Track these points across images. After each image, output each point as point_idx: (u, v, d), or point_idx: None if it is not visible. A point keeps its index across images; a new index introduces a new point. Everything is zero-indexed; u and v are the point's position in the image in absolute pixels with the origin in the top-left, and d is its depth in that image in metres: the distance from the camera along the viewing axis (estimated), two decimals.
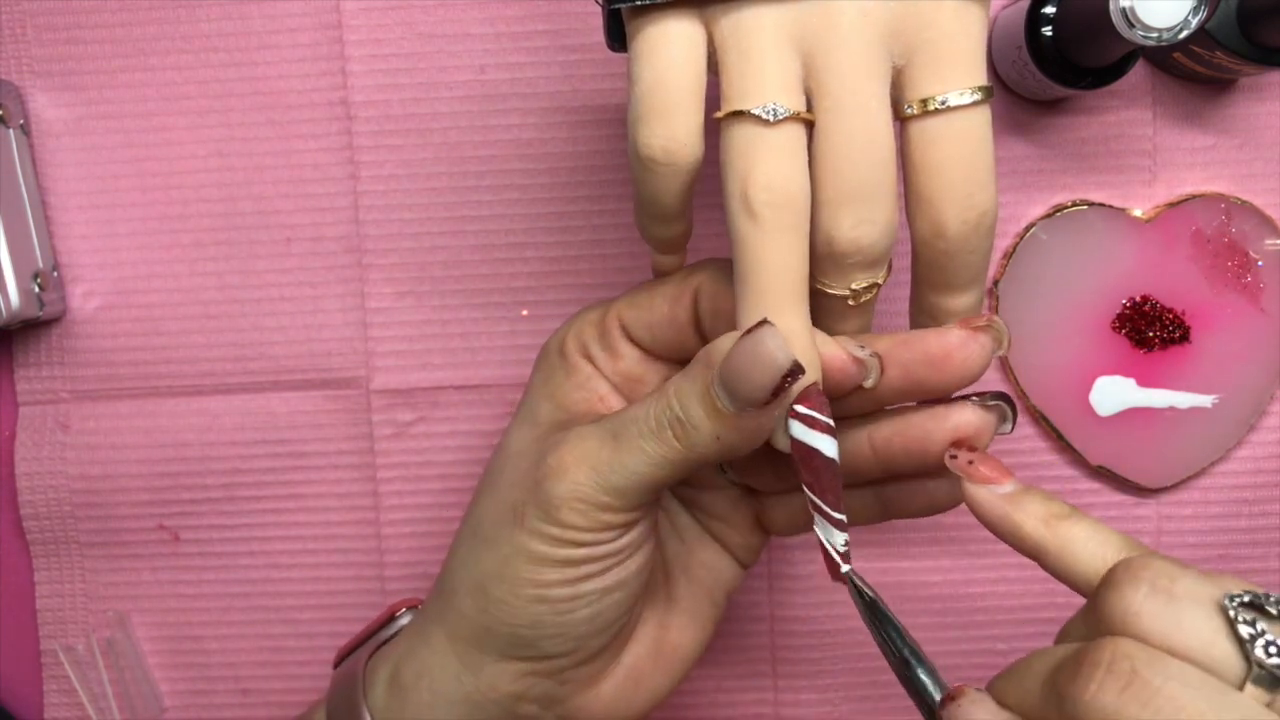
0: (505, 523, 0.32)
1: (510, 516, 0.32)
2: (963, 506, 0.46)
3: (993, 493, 0.29)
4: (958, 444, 0.31)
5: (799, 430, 0.29)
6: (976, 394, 0.32)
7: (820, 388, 0.29)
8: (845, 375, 0.30)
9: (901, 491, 0.34)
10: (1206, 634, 0.24)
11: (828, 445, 0.29)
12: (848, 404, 0.31)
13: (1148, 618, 0.25)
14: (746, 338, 0.28)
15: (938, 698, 0.28)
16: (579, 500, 0.30)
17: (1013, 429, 0.32)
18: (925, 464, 0.31)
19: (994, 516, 0.29)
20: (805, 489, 0.30)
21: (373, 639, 0.38)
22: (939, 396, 0.31)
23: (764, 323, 0.28)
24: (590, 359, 0.34)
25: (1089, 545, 0.27)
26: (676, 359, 0.35)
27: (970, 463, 0.30)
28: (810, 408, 0.29)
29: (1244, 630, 0.24)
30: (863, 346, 0.30)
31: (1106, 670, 0.24)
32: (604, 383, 0.34)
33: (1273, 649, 0.23)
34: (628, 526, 0.31)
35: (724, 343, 0.29)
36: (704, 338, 0.33)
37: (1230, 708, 0.23)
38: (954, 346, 0.30)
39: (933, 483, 0.33)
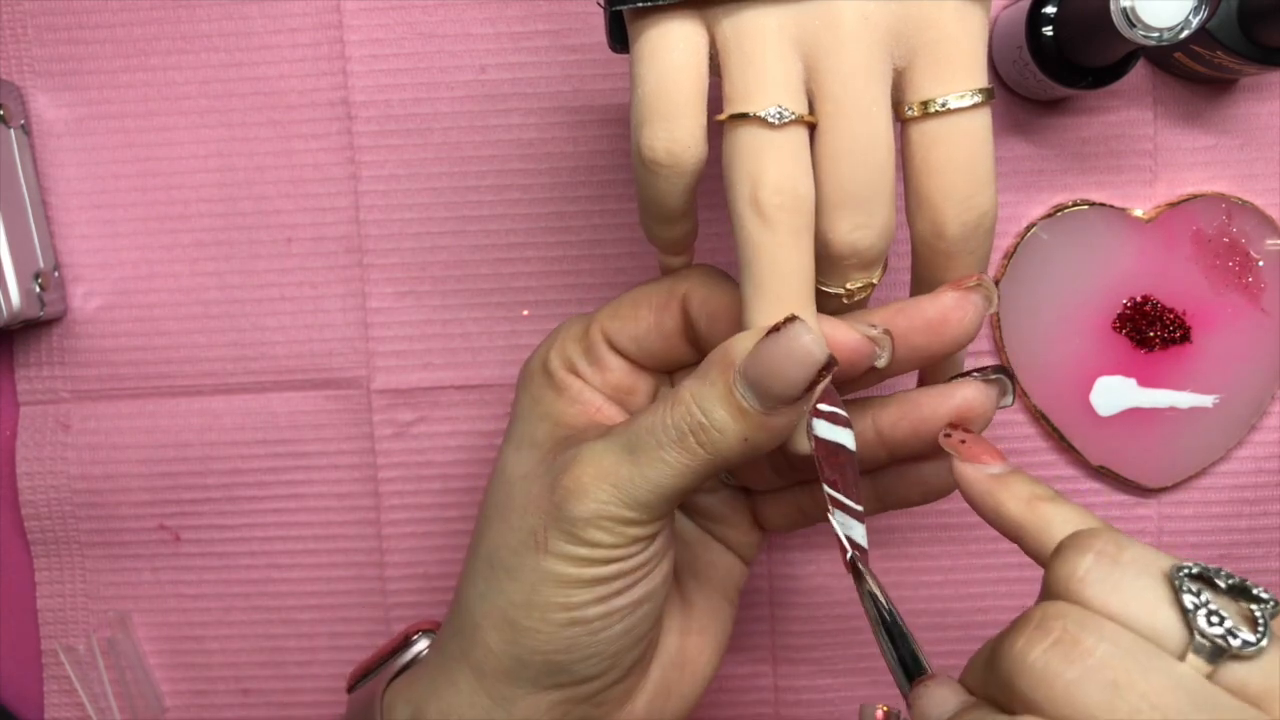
0: (525, 550, 0.31)
1: (530, 543, 0.31)
2: (963, 506, 0.47)
3: (980, 471, 0.29)
4: (953, 425, 0.31)
5: (823, 429, 0.29)
6: (977, 369, 0.32)
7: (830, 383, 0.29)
8: (860, 355, 0.30)
9: (897, 480, 0.34)
10: (1149, 601, 0.24)
11: (849, 439, 0.29)
12: (854, 384, 0.31)
13: (1091, 583, 0.24)
14: (777, 334, 0.28)
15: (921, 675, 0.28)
16: (604, 518, 0.30)
17: (1014, 401, 0.32)
18: (933, 443, 0.32)
19: (978, 493, 0.29)
20: (826, 486, 0.29)
21: (387, 664, 0.37)
22: (934, 362, 0.31)
23: (794, 318, 0.28)
24: (577, 374, 0.34)
25: (1066, 527, 0.27)
26: (664, 368, 0.35)
27: (963, 442, 0.30)
28: (829, 404, 0.29)
29: (1188, 600, 0.23)
30: (873, 325, 0.30)
31: (1036, 627, 0.24)
32: (596, 394, 0.34)
33: (1215, 619, 0.23)
34: (653, 538, 0.31)
35: (741, 342, 0.29)
36: (697, 343, 0.33)
37: (1162, 674, 0.23)
38: (950, 309, 0.30)
39: (928, 468, 0.33)
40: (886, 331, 0.30)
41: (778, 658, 0.48)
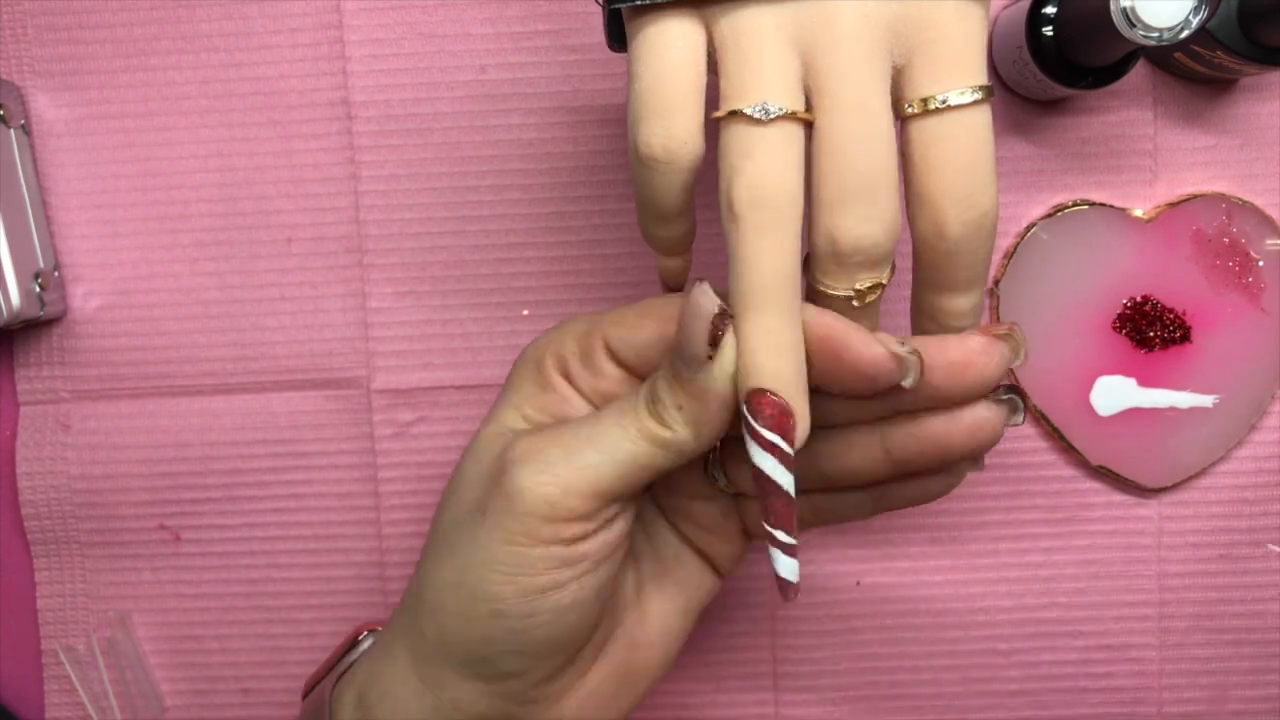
0: (466, 523, 0.31)
1: (471, 516, 0.31)
2: (963, 505, 0.47)
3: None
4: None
5: (752, 449, 0.29)
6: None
7: (777, 399, 0.28)
8: (880, 370, 0.29)
9: (898, 487, 0.34)
10: None
11: (774, 468, 0.29)
12: (874, 404, 0.31)
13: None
14: (686, 300, 0.29)
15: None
16: (547, 483, 0.30)
17: (1024, 420, 0.32)
18: (941, 464, 0.31)
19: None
20: (761, 509, 0.29)
21: (338, 665, 0.37)
22: (945, 406, 0.31)
23: (698, 280, 0.29)
24: (569, 377, 0.33)
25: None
26: None
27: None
28: (751, 411, 0.28)
29: None
30: (903, 343, 0.30)
31: None
32: (579, 403, 0.33)
33: None
34: (590, 523, 0.30)
35: None
36: None
37: None
38: (976, 354, 0.30)
39: (930, 478, 0.33)
40: (916, 352, 0.30)
41: (779, 686, 0.48)
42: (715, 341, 0.28)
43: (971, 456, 0.32)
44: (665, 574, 0.36)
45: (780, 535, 0.29)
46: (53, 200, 0.46)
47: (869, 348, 0.29)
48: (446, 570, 0.32)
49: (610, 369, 0.33)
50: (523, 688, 0.32)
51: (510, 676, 0.32)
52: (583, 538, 0.30)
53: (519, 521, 0.30)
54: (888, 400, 0.31)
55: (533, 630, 0.31)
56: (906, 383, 0.29)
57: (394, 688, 0.33)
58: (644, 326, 0.33)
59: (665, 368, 0.30)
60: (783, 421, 0.28)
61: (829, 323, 0.29)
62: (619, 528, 0.31)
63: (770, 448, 0.28)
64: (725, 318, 0.28)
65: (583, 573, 0.31)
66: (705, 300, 0.28)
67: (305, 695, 0.38)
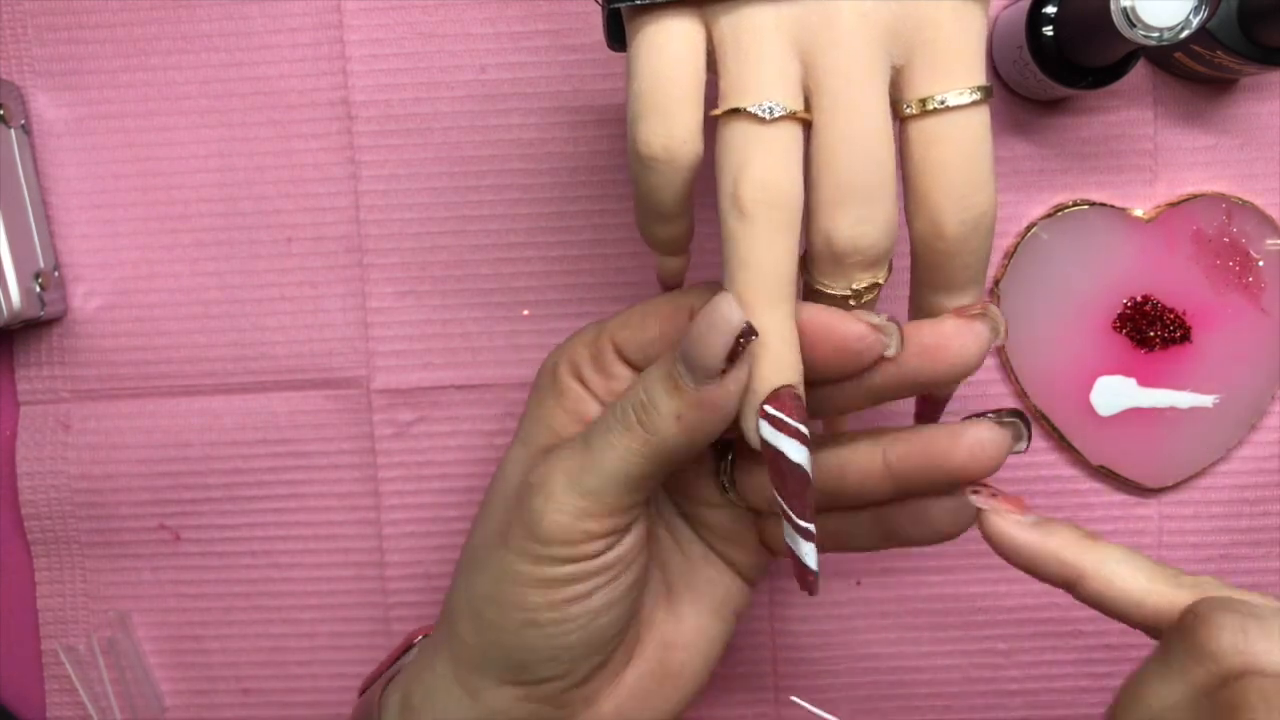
0: (494, 545, 0.32)
1: (498, 538, 0.32)
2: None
3: (1020, 522, 0.30)
4: (978, 484, 0.31)
5: (766, 431, 0.29)
6: (993, 411, 0.32)
7: (796, 391, 0.29)
8: (866, 344, 0.29)
9: (904, 517, 0.33)
10: None
11: (793, 449, 0.29)
12: (862, 384, 0.31)
13: (1263, 654, 0.25)
14: (704, 306, 0.28)
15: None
16: (558, 511, 0.30)
17: (1027, 447, 0.31)
18: (941, 482, 0.31)
19: (1024, 543, 0.30)
20: (774, 492, 0.29)
21: (392, 667, 0.38)
22: (937, 390, 0.31)
23: (721, 292, 0.28)
24: (582, 380, 0.34)
25: (1123, 567, 0.29)
26: None
27: (994, 495, 0.31)
28: (780, 409, 0.28)
29: None
30: (879, 314, 0.30)
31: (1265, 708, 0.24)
32: (594, 404, 0.34)
33: None
34: (609, 537, 0.31)
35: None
36: None
37: None
38: (949, 335, 0.30)
39: (935, 508, 0.33)
40: (893, 319, 0.30)
41: (780, 700, 0.48)
42: (734, 357, 0.28)
43: (973, 479, 0.31)
44: (694, 573, 0.36)
45: (802, 523, 0.29)
46: (53, 200, 0.46)
47: (850, 324, 0.29)
48: (480, 585, 0.33)
49: (621, 370, 0.33)
50: (559, 690, 0.33)
51: (546, 680, 0.33)
52: (602, 551, 0.31)
53: (538, 548, 0.31)
54: (878, 385, 0.31)
55: (567, 635, 0.32)
56: (889, 352, 0.30)
57: (436, 693, 0.34)
58: (648, 327, 0.33)
59: (660, 371, 0.30)
60: (805, 412, 0.29)
61: (808, 311, 0.30)
62: (636, 532, 0.32)
63: (802, 439, 0.29)
64: (751, 334, 0.28)
65: (609, 580, 0.32)
66: (732, 314, 0.28)
67: (361, 693, 0.40)
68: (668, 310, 0.33)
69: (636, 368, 0.33)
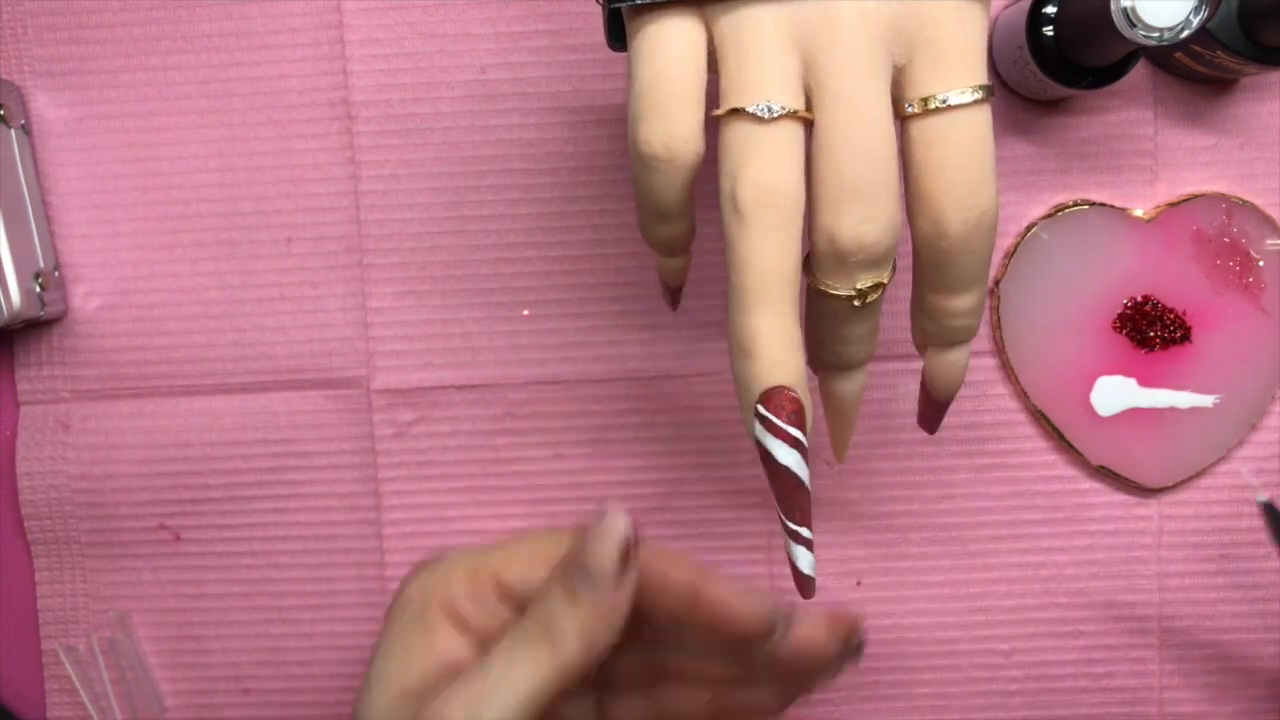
0: None
1: None
2: (963, 505, 0.47)
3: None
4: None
5: (757, 430, 0.29)
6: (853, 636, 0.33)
7: (793, 394, 0.29)
8: (760, 630, 0.31)
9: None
10: None
11: (782, 451, 0.29)
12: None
13: None
14: (597, 522, 0.30)
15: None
16: None
17: (859, 663, 0.34)
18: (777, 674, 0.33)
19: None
20: (775, 499, 0.30)
21: None
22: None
23: (611, 503, 0.30)
24: (457, 616, 0.32)
25: None
26: None
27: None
28: (771, 410, 0.29)
29: None
30: (776, 605, 0.31)
31: None
32: (465, 648, 0.32)
33: None
34: None
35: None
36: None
37: None
38: (815, 640, 0.32)
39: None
40: (787, 610, 0.31)
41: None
42: (626, 561, 0.30)
43: (805, 671, 0.32)
44: None
45: (802, 531, 0.30)
46: (53, 200, 0.46)
47: (751, 605, 0.31)
48: None
49: (500, 607, 0.33)
50: None
51: None
52: None
53: None
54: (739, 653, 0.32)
55: None
56: (778, 636, 0.31)
57: None
58: (537, 567, 0.32)
59: (558, 588, 0.30)
60: (801, 416, 0.29)
61: (711, 585, 0.31)
62: None
63: (793, 442, 0.29)
64: (637, 540, 0.30)
65: None
66: (620, 523, 0.30)
67: None
68: (556, 549, 0.32)
69: (521, 605, 0.32)
